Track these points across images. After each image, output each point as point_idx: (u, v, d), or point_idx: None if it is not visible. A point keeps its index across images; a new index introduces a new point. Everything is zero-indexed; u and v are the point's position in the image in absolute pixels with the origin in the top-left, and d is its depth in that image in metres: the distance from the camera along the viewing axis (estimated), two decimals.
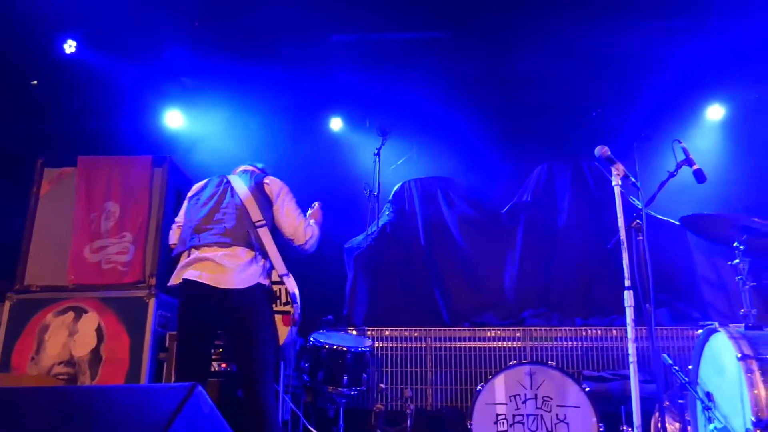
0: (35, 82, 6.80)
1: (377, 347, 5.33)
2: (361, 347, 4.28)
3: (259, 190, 3.54)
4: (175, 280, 3.36)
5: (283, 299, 3.74)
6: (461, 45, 6.53)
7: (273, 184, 3.60)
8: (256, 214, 3.44)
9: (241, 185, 3.55)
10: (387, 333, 5.47)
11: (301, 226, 3.52)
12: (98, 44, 6.52)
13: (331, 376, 4.15)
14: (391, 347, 5.42)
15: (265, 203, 3.51)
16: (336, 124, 7.61)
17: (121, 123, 7.51)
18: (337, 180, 7.39)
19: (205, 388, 3.10)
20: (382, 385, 5.12)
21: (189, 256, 3.37)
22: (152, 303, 4.63)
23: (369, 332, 5.41)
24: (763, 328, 3.23)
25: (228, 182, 3.60)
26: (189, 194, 3.69)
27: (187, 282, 3.27)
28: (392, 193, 6.64)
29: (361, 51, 6.69)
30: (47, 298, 4.75)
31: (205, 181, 3.70)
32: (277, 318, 3.50)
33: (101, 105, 6.98)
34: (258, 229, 3.40)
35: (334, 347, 4.19)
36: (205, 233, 3.38)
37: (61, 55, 6.48)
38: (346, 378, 4.15)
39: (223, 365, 4.29)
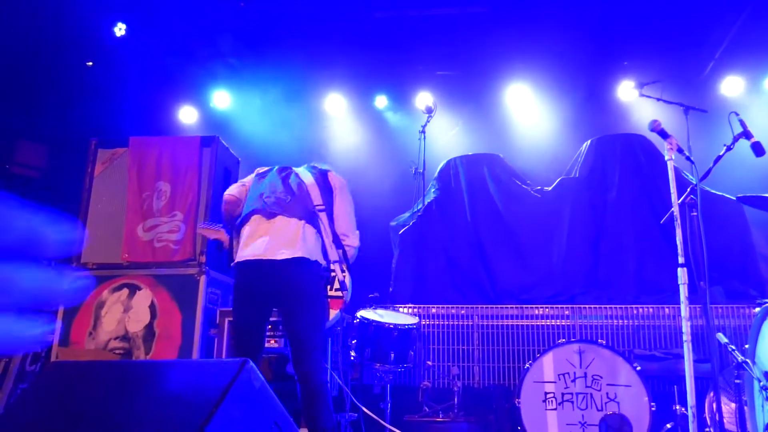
0: (90, 63, 6.96)
1: (424, 324, 5.33)
2: (407, 324, 4.30)
3: (322, 178, 3.65)
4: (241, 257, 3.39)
5: (336, 284, 3.79)
6: (504, 19, 6.41)
7: (336, 178, 3.70)
8: (317, 197, 3.54)
9: (304, 172, 3.68)
10: (434, 310, 5.47)
11: (355, 229, 3.64)
12: (147, 27, 6.63)
13: (378, 352, 4.18)
14: (438, 324, 5.42)
15: (327, 191, 3.60)
16: (381, 101, 7.60)
17: (170, 104, 7.66)
18: (383, 157, 7.39)
19: (258, 364, 3.16)
20: (429, 363, 5.14)
21: (251, 225, 3.43)
22: (203, 280, 4.73)
23: (415, 309, 5.42)
24: None
25: (291, 169, 3.71)
26: (256, 171, 3.78)
27: (248, 261, 3.33)
28: (437, 170, 6.59)
29: (404, 27, 6.63)
30: (103, 275, 4.90)
31: (268, 167, 3.78)
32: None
33: (150, 86, 7.12)
34: (318, 213, 3.50)
35: (381, 324, 4.21)
36: (270, 202, 3.46)
37: (111, 37, 6.61)
38: (392, 355, 4.17)
39: (273, 342, 4.37)
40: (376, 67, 7.15)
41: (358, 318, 4.27)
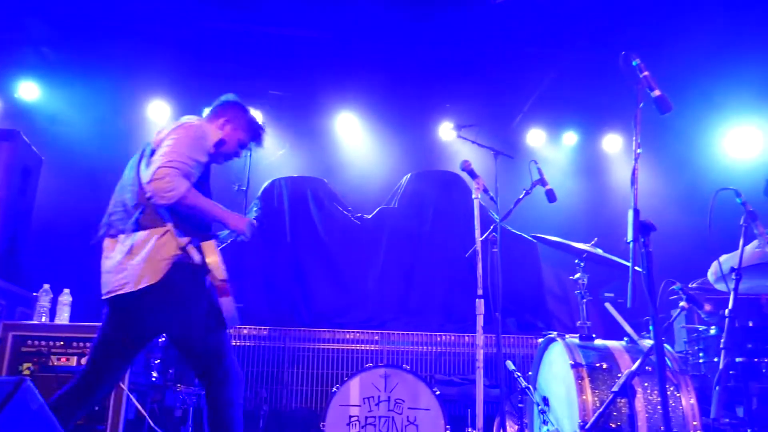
0: None
1: (235, 345, 5.21)
2: None
3: (151, 154, 2.87)
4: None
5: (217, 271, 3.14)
6: (339, 49, 6.56)
7: (163, 133, 2.92)
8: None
9: (138, 159, 2.94)
10: (245, 331, 5.38)
11: (154, 164, 2.75)
12: None
13: (183, 373, 4.02)
14: (249, 346, 5.33)
15: None
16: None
17: None
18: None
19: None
20: None
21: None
22: None
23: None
24: (594, 339, 3.51)
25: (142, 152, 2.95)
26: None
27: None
28: (261, 189, 6.54)
29: (237, 41, 6.53)
30: None
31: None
32: None
33: None
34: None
35: None
36: (110, 219, 2.87)
37: None
38: None
39: (63, 360, 4.00)
40: (206, 77, 6.93)
41: (163, 337, 4.06)
